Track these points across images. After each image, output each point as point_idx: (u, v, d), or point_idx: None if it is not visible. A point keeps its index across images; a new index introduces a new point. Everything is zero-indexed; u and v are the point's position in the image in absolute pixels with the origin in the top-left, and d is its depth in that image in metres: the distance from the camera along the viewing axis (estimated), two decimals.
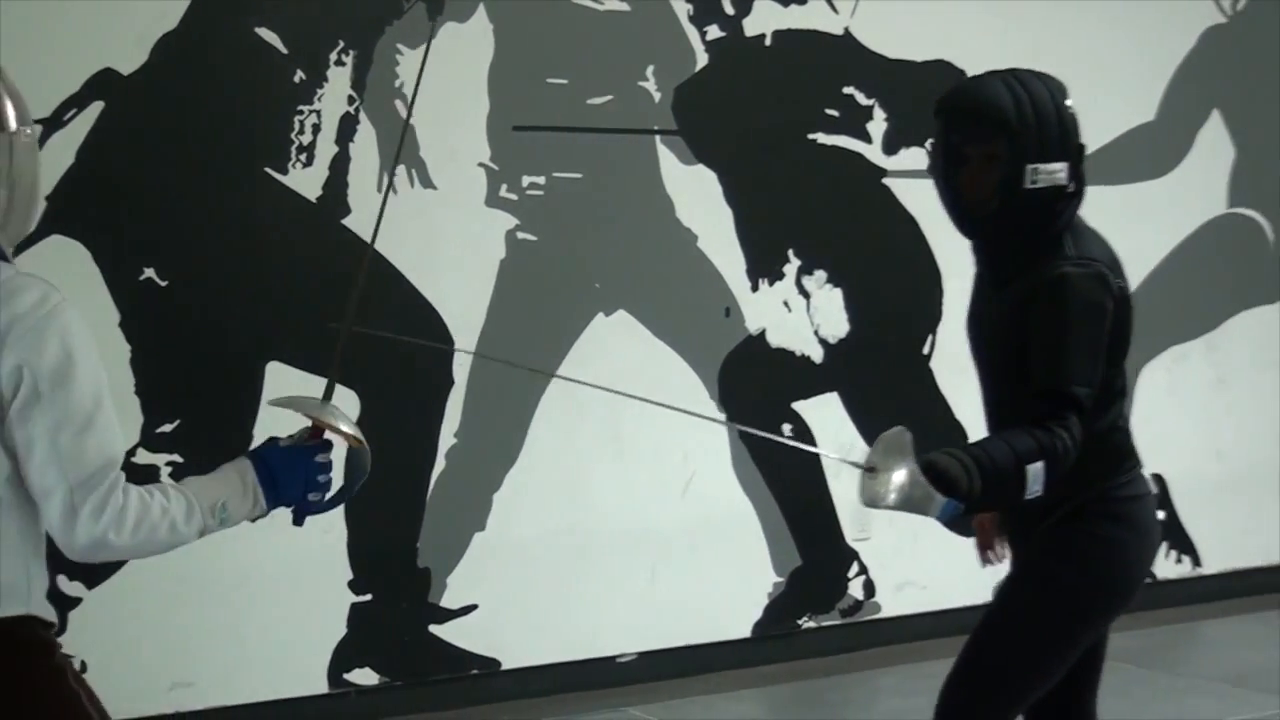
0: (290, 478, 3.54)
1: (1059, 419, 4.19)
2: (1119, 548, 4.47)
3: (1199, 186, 8.99)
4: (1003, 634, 4.53)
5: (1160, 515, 4.61)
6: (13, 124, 3.40)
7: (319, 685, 7.04)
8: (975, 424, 7.70)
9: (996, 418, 4.59)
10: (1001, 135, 4.36)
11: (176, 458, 6.65)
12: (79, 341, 3.31)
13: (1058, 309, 4.33)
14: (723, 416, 7.74)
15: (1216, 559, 9.09)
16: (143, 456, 6.62)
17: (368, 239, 6.75)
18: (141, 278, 6.63)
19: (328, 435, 3.68)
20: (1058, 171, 4.39)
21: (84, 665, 6.42)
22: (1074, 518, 4.45)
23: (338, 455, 3.70)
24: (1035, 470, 4.13)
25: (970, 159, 4.41)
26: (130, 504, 3.32)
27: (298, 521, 3.61)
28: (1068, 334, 4.32)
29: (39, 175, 3.51)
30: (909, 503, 4.04)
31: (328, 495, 3.62)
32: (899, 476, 4.04)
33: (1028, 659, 4.48)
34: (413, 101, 5.84)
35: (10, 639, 3.34)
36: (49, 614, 3.42)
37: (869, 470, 4.07)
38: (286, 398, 3.77)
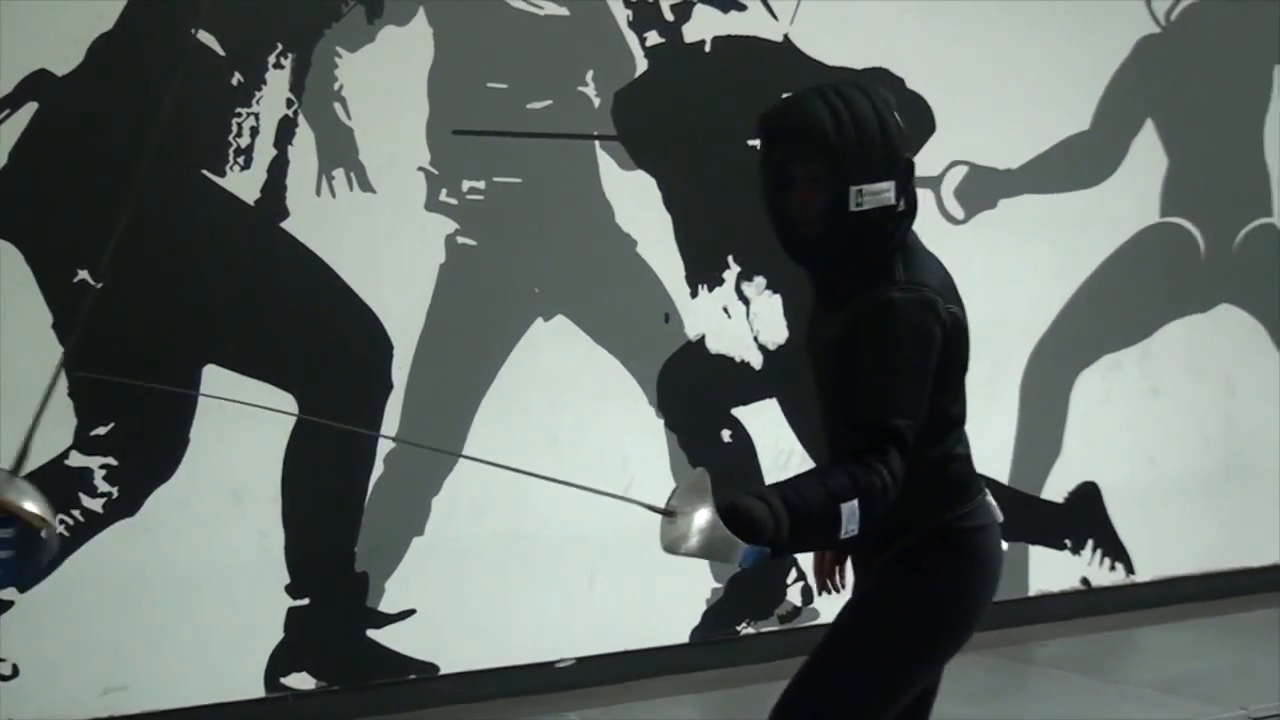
0: None
1: (878, 453, 4.01)
2: (958, 582, 4.34)
3: (1132, 195, 9.01)
4: (839, 668, 4.33)
5: (1003, 546, 4.41)
6: None
7: (255, 689, 6.97)
8: None
9: (833, 443, 4.42)
10: (822, 156, 4.18)
11: (111, 460, 6.58)
12: None
13: (882, 336, 4.14)
14: (661, 424, 7.72)
15: (1149, 567, 9.10)
16: (76, 459, 6.54)
17: (307, 243, 6.83)
18: (75, 280, 6.55)
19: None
20: (884, 191, 4.21)
21: (15, 669, 6.45)
22: (913, 550, 4.29)
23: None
24: (850, 509, 3.93)
25: (794, 179, 4.23)
26: None
27: None
28: (891, 363, 4.14)
29: None
30: (710, 549, 3.80)
31: (7, 572, 3.54)
32: (699, 520, 3.80)
33: (859, 696, 4.31)
34: None
35: None
36: None
37: (668, 515, 3.88)
38: None
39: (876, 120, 4.22)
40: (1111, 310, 8.89)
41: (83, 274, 6.55)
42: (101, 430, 6.59)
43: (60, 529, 3.44)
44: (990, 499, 4.44)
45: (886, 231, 4.24)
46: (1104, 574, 8.97)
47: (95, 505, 6.51)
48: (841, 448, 4.21)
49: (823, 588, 4.72)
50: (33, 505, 3.52)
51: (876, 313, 4.14)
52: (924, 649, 4.32)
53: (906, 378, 4.13)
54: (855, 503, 3.91)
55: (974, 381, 6.65)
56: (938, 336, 4.20)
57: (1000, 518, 4.45)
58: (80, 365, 6.44)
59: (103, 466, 6.58)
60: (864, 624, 4.33)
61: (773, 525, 3.80)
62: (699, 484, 3.85)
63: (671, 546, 3.84)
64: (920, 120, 8.30)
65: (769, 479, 7.92)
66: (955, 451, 4.36)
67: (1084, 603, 8.90)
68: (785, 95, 4.40)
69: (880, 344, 4.13)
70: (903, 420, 4.06)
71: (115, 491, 6.57)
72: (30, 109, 6.47)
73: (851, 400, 4.14)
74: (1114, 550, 9.00)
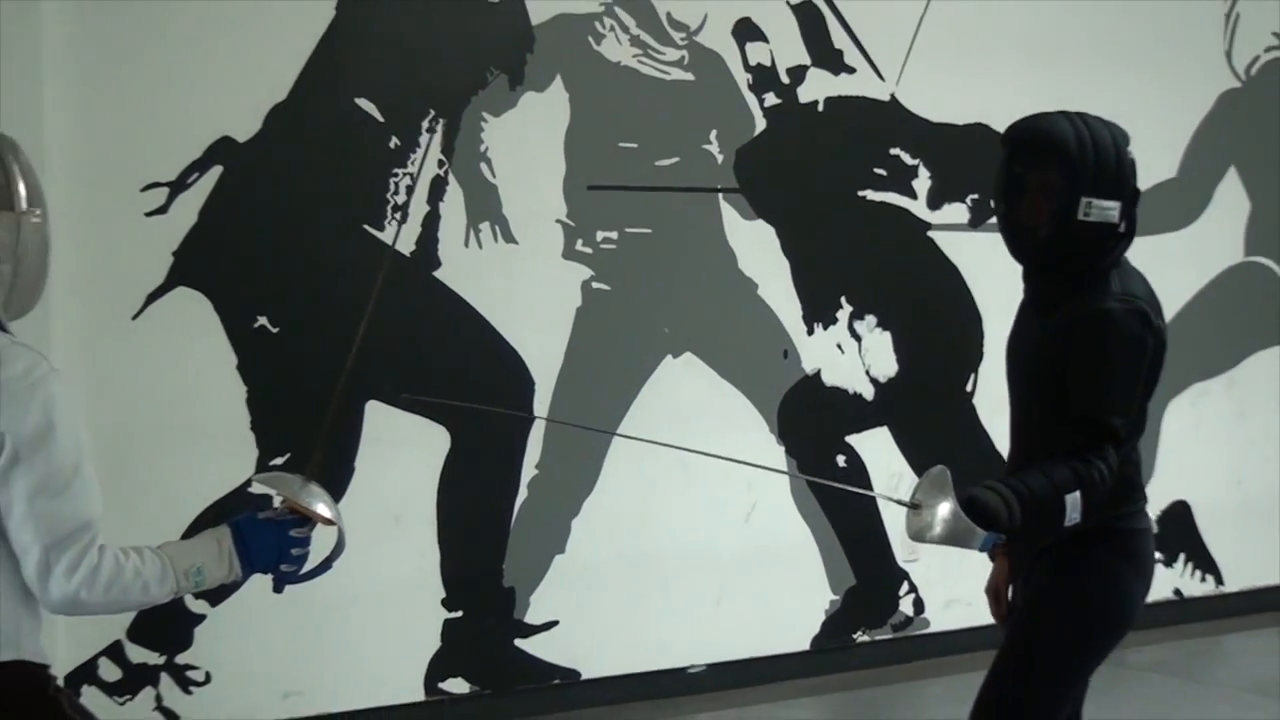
0: (263, 548, 3.51)
1: (1096, 449, 4.14)
2: (1119, 581, 4.41)
3: (1218, 237, 8.98)
4: (1021, 668, 4.45)
5: (1159, 550, 4.48)
6: (22, 204, 3.37)
7: (416, 694, 7.07)
8: None
9: (1022, 438, 4.53)
10: (1060, 165, 4.30)
11: None
12: (61, 409, 3.27)
13: (1101, 341, 4.25)
14: (781, 450, 7.78)
15: (1237, 578, 9.07)
16: (257, 488, 6.48)
17: (457, 289, 6.91)
18: (255, 325, 6.68)
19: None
20: (1110, 209, 4.33)
21: (208, 675, 6.57)
22: (1078, 546, 4.37)
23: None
24: (1073, 499, 4.09)
25: (1029, 187, 4.36)
26: (104, 565, 3.29)
27: (277, 589, 3.57)
28: (1109, 366, 4.25)
29: (46, 255, 3.43)
30: (952, 537, 3.99)
31: (304, 568, 3.58)
32: (943, 512, 4.01)
33: (1044, 689, 4.44)
34: None
35: (8, 684, 3.31)
36: (39, 656, 3.38)
37: (914, 507, 4.07)
38: (267, 475, 3.68)
39: (1113, 148, 4.37)
40: (1201, 342, 8.80)
41: (262, 320, 6.67)
42: (279, 460, 6.67)
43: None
44: (1149, 511, 4.52)
45: (1106, 246, 4.36)
46: (1195, 585, 8.97)
47: None
48: (1033, 445, 4.36)
49: (997, 611, 4.79)
50: (325, 509, 3.62)
51: (1095, 320, 4.26)
52: (1092, 642, 4.42)
53: (1122, 380, 4.26)
54: (1078, 494, 4.09)
55: None
56: (1149, 345, 4.31)
57: (1154, 524, 4.56)
58: (263, 401, 6.69)
59: (280, 494, 6.71)
60: (1041, 625, 4.44)
61: (1007, 515, 4.01)
62: (940, 480, 4.05)
63: (918, 535, 4.05)
64: None
65: (881, 504, 8.08)
66: (1130, 456, 4.42)
67: (1176, 612, 8.87)
68: (1034, 114, 4.52)
69: (1099, 348, 4.25)
70: (1118, 419, 4.22)
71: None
72: (216, 172, 6.56)
73: (1061, 398, 4.27)
74: (1204, 563, 9.00)
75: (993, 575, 4.81)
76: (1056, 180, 4.31)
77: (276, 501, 3.66)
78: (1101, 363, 4.25)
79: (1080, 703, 4.66)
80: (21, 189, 3.38)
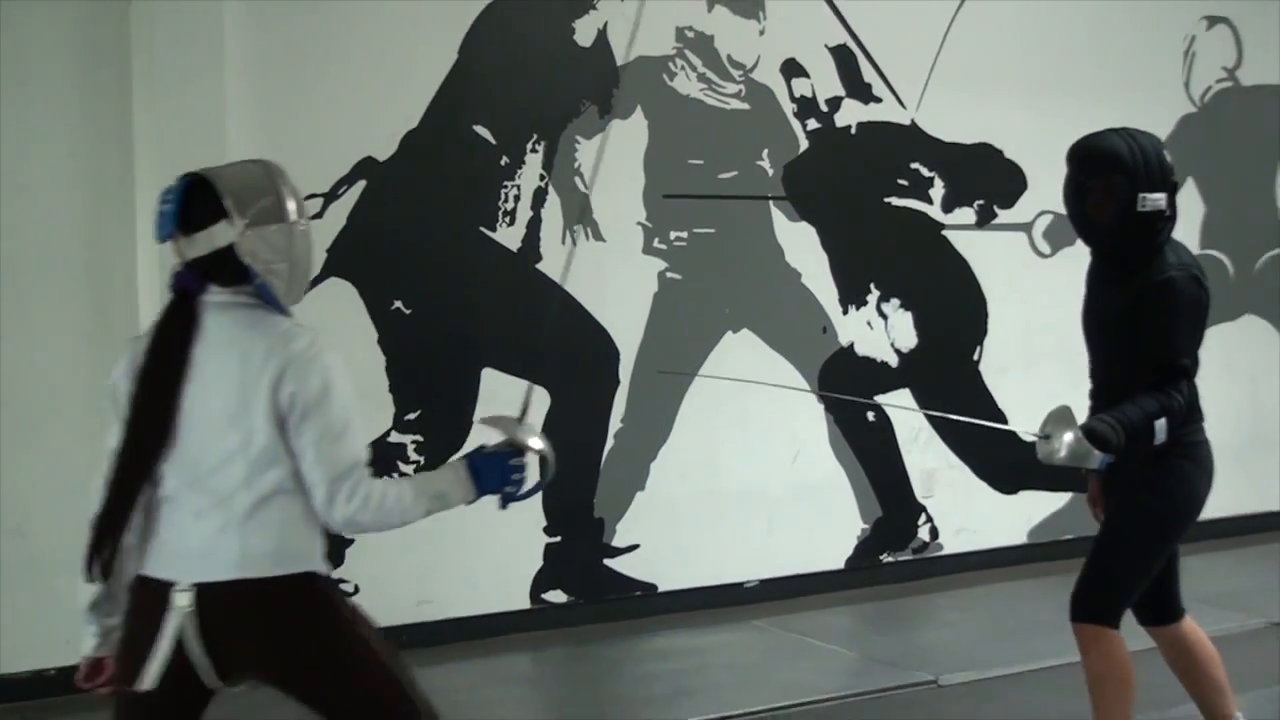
0: (491, 476, 3.48)
1: (1173, 384, 4.34)
2: (1190, 481, 4.54)
3: (1178, 234, 8.48)
4: (1114, 548, 4.55)
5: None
6: (293, 216, 3.37)
7: (523, 603, 7.03)
8: (1012, 412, 7.62)
9: (1106, 388, 4.58)
10: (1119, 172, 4.41)
11: (419, 438, 6.65)
12: (335, 374, 3.30)
13: (1169, 302, 4.39)
14: (821, 408, 7.64)
15: None
16: (395, 437, 6.62)
17: (556, 279, 6.85)
18: (392, 307, 6.63)
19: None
20: (1160, 199, 4.43)
21: (356, 588, 6.50)
22: (1158, 457, 4.43)
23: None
24: (1161, 425, 4.32)
25: (1093, 190, 4.46)
26: (373, 492, 3.30)
27: (502, 506, 3.54)
28: (1176, 320, 4.40)
29: (311, 255, 3.45)
30: (1076, 458, 4.26)
31: (522, 490, 3.54)
32: (1068, 439, 4.26)
33: (1131, 563, 4.53)
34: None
35: (302, 588, 3.33)
36: (326, 569, 3.40)
37: (1044, 438, 4.28)
38: (492, 417, 3.64)
39: (1155, 152, 4.49)
40: None
41: (398, 303, 6.62)
42: (412, 416, 6.66)
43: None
44: (1205, 427, 4.62)
45: (1158, 229, 4.46)
46: None
47: (408, 471, 6.56)
48: (1116, 395, 4.42)
49: (1097, 517, 4.81)
50: (537, 442, 3.56)
51: (1162, 287, 4.40)
52: (1169, 527, 4.56)
53: (1187, 331, 4.45)
54: (1164, 420, 4.33)
55: (1060, 374, 6.61)
56: (1203, 301, 4.49)
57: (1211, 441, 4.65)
58: (398, 369, 6.61)
59: (413, 442, 6.65)
60: (1129, 518, 4.54)
61: (1115, 439, 4.25)
62: (1064, 415, 4.31)
63: (1048, 458, 4.30)
64: (1016, 180, 8.16)
65: (904, 451, 7.96)
66: (1192, 388, 4.51)
67: None
68: (1090, 133, 4.59)
69: (1167, 308, 4.40)
70: (1187, 360, 4.42)
71: (422, 460, 6.64)
72: (360, 185, 6.54)
73: (1146, 350, 4.39)
74: None
75: (1090, 488, 4.88)
76: (1119, 183, 4.42)
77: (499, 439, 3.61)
78: (1171, 318, 4.40)
79: (1178, 590, 4.79)
80: (290, 204, 3.38)
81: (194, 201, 3.34)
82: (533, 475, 3.57)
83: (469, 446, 6.50)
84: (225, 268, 3.33)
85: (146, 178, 6.02)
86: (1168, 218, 4.47)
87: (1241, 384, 8.97)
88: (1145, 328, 4.41)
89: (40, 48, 5.98)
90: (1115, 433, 4.24)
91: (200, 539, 3.28)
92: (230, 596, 3.26)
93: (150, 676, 3.27)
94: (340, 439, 3.28)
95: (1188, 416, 4.47)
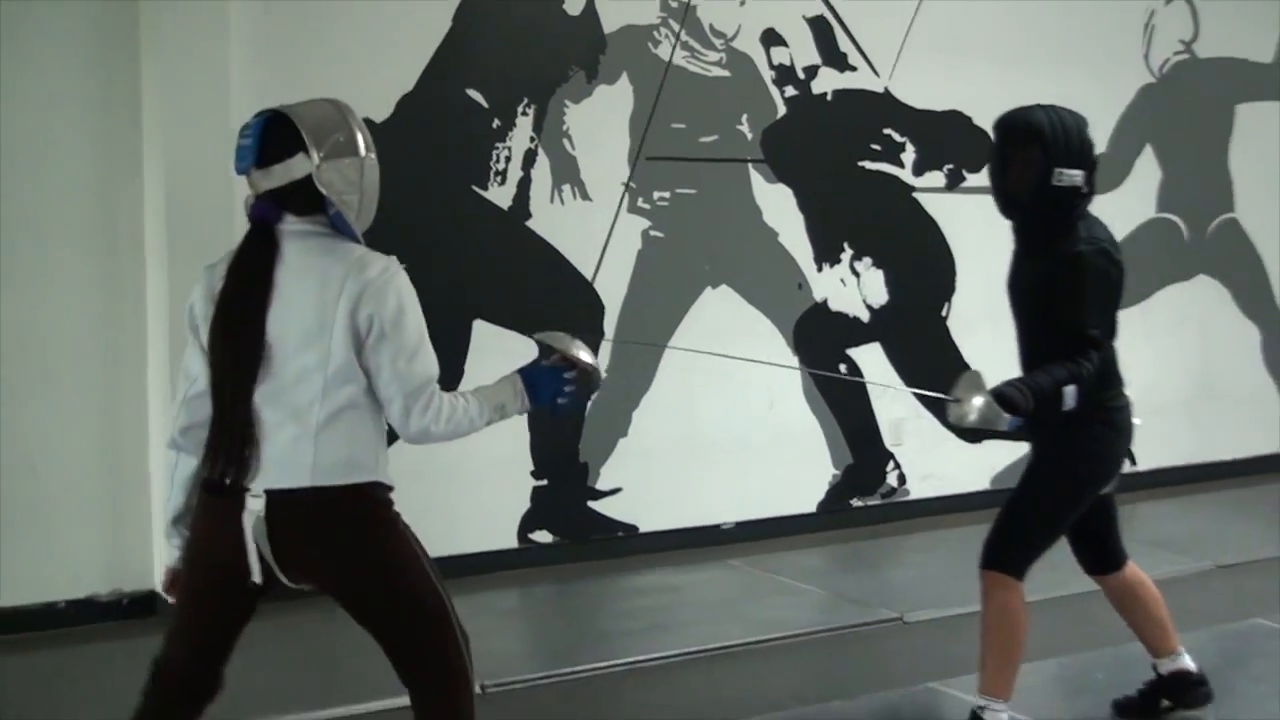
0: (544, 388, 3.55)
1: (1082, 353, 4.27)
2: (1109, 446, 4.51)
3: (1136, 198, 8.69)
4: (1029, 504, 4.52)
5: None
6: (364, 150, 3.41)
7: (511, 542, 6.98)
8: (980, 365, 7.58)
9: (1029, 356, 4.54)
10: (1038, 145, 4.34)
11: None
12: (408, 298, 3.36)
13: (1077, 276, 4.32)
14: (796, 360, 7.58)
15: (1146, 460, 8.58)
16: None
17: (544, 235, 6.80)
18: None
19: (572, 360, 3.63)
20: (1076, 176, 4.36)
21: None
22: (1077, 421, 4.38)
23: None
24: (1070, 391, 4.24)
25: (1015, 163, 4.39)
26: (444, 406, 3.38)
27: (554, 415, 3.62)
28: (1085, 293, 4.33)
29: (377, 188, 3.48)
30: (985, 421, 4.18)
31: (572, 400, 3.60)
32: (978, 402, 4.18)
33: (1044, 520, 4.50)
34: None
35: (367, 496, 3.39)
36: (389, 480, 3.45)
37: (955, 401, 4.22)
38: (546, 333, 3.68)
39: (1076, 130, 4.41)
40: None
41: (393, 258, 6.52)
42: None
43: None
44: (1127, 391, 4.58)
45: (1073, 205, 4.39)
46: None
47: None
48: (1039, 361, 4.36)
49: None
50: (587, 357, 3.61)
51: (1072, 261, 4.34)
52: (1084, 491, 4.52)
53: (1095, 303, 4.37)
54: (1073, 387, 4.25)
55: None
56: (1112, 274, 4.41)
57: (1133, 402, 4.63)
58: None
59: None
60: (1048, 472, 4.52)
61: (1024, 404, 4.18)
62: (974, 380, 4.25)
63: (959, 420, 4.23)
64: (984, 146, 8.05)
65: (873, 400, 7.91)
66: (1109, 354, 4.46)
67: None
68: (1016, 107, 4.51)
69: (1076, 281, 4.32)
70: (1095, 330, 4.34)
71: None
72: None
73: (1058, 320, 4.33)
74: None
75: None
76: (1037, 157, 4.35)
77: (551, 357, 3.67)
78: (1079, 290, 4.33)
79: (1119, 539, 4.80)
80: (360, 139, 3.42)
81: (272, 136, 3.37)
82: (583, 388, 3.63)
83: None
84: (301, 198, 3.37)
85: (153, 139, 5.98)
86: (1085, 194, 4.41)
87: (1193, 340, 8.94)
88: (1057, 300, 4.35)
89: (50, 13, 5.91)
90: (1024, 397, 4.17)
91: (277, 448, 3.33)
92: (302, 503, 3.31)
93: (254, 571, 3.34)
94: (415, 357, 3.34)
95: (1107, 382, 4.44)
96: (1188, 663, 4.87)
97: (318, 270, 3.32)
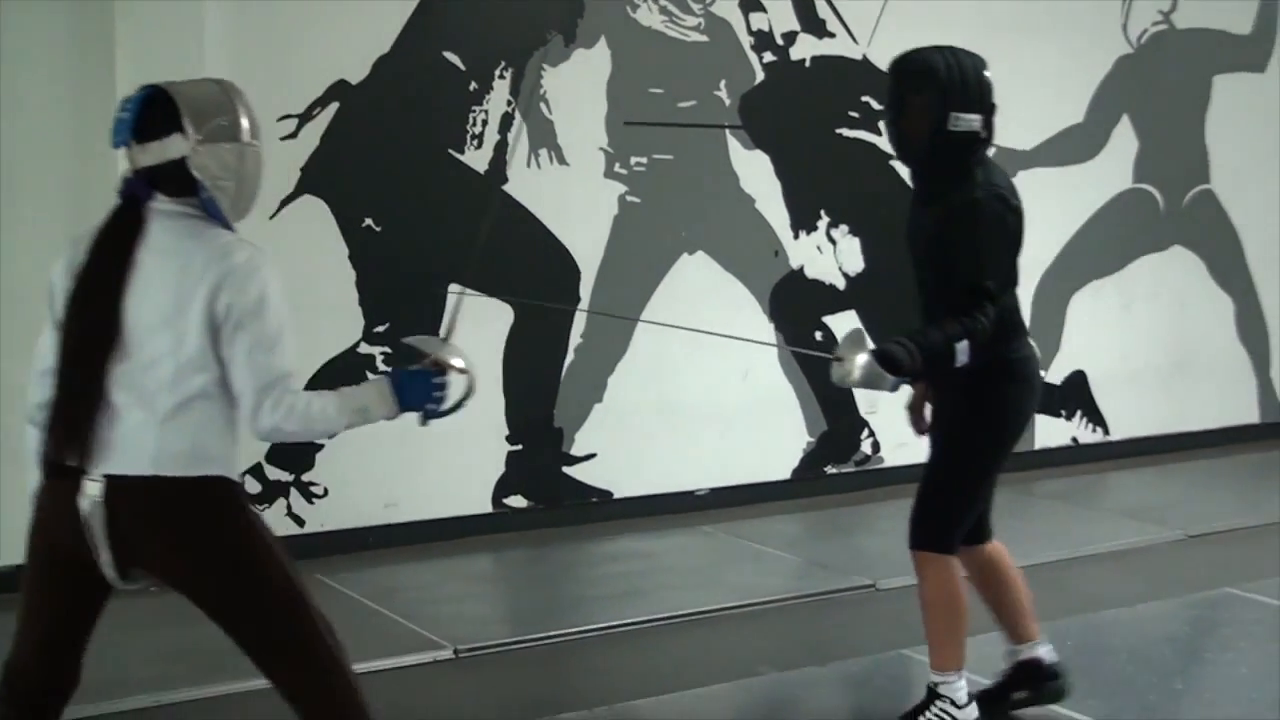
0: (413, 393, 3.43)
1: (978, 306, 4.06)
2: (1013, 402, 4.35)
3: (1113, 168, 8.67)
4: (944, 475, 4.42)
5: (1046, 379, 4.45)
6: (247, 136, 3.32)
7: (485, 507, 6.95)
8: None
9: (929, 308, 4.37)
10: (933, 88, 4.18)
11: (387, 349, 6.54)
12: (272, 289, 3.25)
13: (971, 223, 4.16)
14: (771, 326, 7.56)
15: (1120, 430, 8.82)
16: (364, 349, 6.52)
17: (521, 200, 6.77)
18: (363, 225, 6.53)
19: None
20: (973, 120, 4.20)
21: (325, 490, 6.48)
22: (980, 374, 4.21)
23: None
24: (962, 346, 4.02)
25: (911, 106, 4.22)
26: (298, 403, 3.27)
27: (423, 423, 3.49)
28: (979, 241, 4.15)
29: (260, 176, 3.38)
30: (867, 381, 3.94)
31: (443, 406, 3.49)
32: (860, 361, 3.93)
33: (961, 489, 4.38)
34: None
35: (212, 490, 3.29)
36: (237, 476, 3.37)
37: (837, 360, 3.99)
38: (416, 338, 3.62)
39: (974, 72, 4.23)
40: (1098, 249, 8.58)
41: (368, 220, 6.51)
42: (380, 329, 6.56)
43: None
44: (1031, 341, 4.44)
45: (972, 149, 4.23)
46: (1087, 434, 8.71)
47: None
48: (936, 309, 4.21)
49: (919, 430, 4.70)
50: (459, 362, 3.53)
51: (966, 207, 4.17)
52: (997, 452, 4.36)
53: (991, 253, 4.18)
54: (965, 342, 4.01)
55: None
56: (1009, 222, 4.23)
57: (1039, 354, 4.50)
58: (367, 284, 6.52)
59: (381, 353, 6.55)
60: (956, 443, 4.39)
61: (909, 362, 3.94)
62: (857, 338, 4.01)
63: (841, 381, 4.01)
64: None
65: None
66: (1011, 305, 4.31)
67: (1072, 455, 8.64)
68: (913, 48, 4.33)
69: (970, 230, 4.15)
70: (992, 281, 4.12)
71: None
72: (333, 107, 6.41)
73: (952, 271, 4.15)
74: (1095, 418, 8.72)
75: (912, 397, 4.72)
76: (932, 100, 4.18)
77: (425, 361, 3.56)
78: (973, 239, 4.15)
79: (989, 512, 4.56)
80: (245, 124, 3.34)
81: (152, 112, 3.29)
82: (455, 393, 3.53)
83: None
84: (174, 179, 3.29)
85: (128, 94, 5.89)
86: (983, 139, 4.23)
87: (1168, 311, 8.94)
88: (951, 248, 4.17)
89: None
90: (910, 355, 3.94)
91: (121, 432, 3.23)
92: (140, 491, 3.22)
93: (103, 561, 3.24)
94: (272, 350, 3.24)
95: (1008, 334, 4.25)
96: (1044, 653, 4.69)
97: (182, 253, 3.24)
